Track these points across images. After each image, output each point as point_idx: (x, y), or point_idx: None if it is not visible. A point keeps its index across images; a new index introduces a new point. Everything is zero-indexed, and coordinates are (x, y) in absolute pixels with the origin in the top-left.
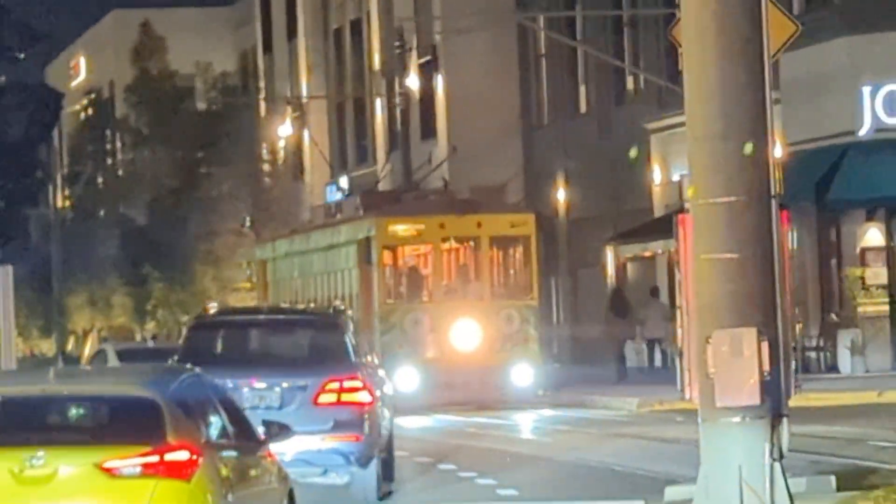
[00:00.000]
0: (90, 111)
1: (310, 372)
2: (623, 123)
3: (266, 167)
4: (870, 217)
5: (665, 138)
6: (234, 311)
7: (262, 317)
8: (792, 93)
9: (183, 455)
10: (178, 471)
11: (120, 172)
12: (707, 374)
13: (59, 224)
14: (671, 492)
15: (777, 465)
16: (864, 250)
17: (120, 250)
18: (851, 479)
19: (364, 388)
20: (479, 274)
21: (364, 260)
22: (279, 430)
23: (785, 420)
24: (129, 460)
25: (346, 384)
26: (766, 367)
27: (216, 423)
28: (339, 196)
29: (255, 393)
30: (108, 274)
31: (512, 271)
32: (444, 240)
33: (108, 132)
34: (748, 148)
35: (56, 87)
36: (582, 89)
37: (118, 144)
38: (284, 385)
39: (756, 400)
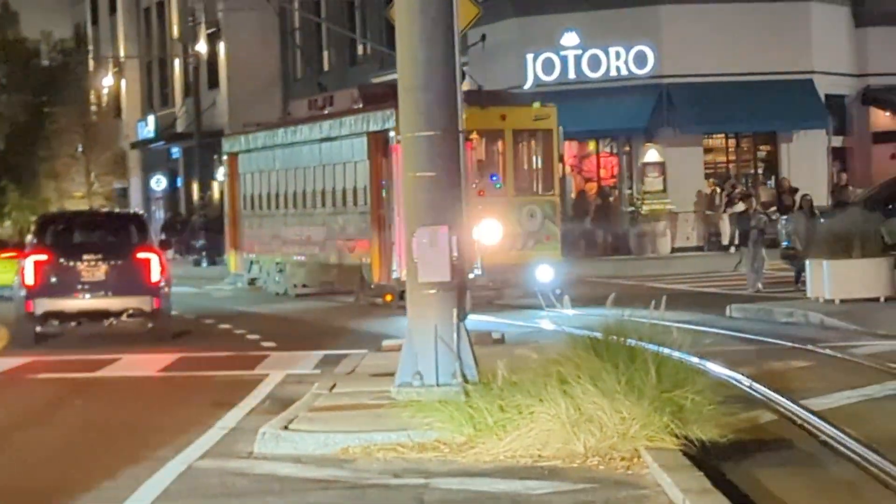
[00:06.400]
0: None
1: None
2: (355, 78)
3: (93, 108)
4: None
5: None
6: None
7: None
8: (477, 56)
9: None
10: None
11: None
12: (413, 258)
13: None
14: (387, 343)
15: (461, 324)
16: None
17: None
18: (514, 336)
19: None
20: (502, 169)
21: (377, 153)
22: None
23: (467, 292)
24: None
25: None
26: (455, 253)
27: None
28: (148, 130)
29: None
30: None
31: (534, 166)
32: (468, 132)
33: None
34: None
35: None
36: (325, 53)
37: None
38: None
39: (447, 277)
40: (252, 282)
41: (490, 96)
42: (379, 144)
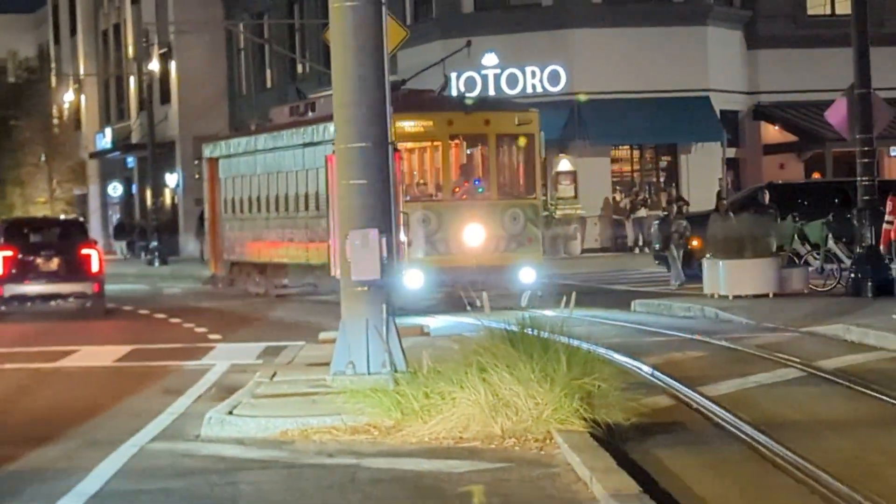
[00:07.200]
0: None
1: None
2: (296, 94)
3: (55, 121)
4: None
5: (322, 105)
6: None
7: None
8: (408, 75)
9: None
10: None
11: None
12: (347, 258)
13: None
14: (323, 335)
15: (390, 318)
16: None
17: None
18: (442, 329)
19: None
20: (486, 172)
21: None
22: None
23: (394, 289)
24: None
25: None
26: (384, 254)
27: None
28: (106, 141)
29: None
30: None
31: (517, 170)
32: (452, 137)
33: None
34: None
35: None
36: (268, 71)
37: None
38: None
39: (377, 276)
40: (232, 282)
41: (474, 102)
42: None
